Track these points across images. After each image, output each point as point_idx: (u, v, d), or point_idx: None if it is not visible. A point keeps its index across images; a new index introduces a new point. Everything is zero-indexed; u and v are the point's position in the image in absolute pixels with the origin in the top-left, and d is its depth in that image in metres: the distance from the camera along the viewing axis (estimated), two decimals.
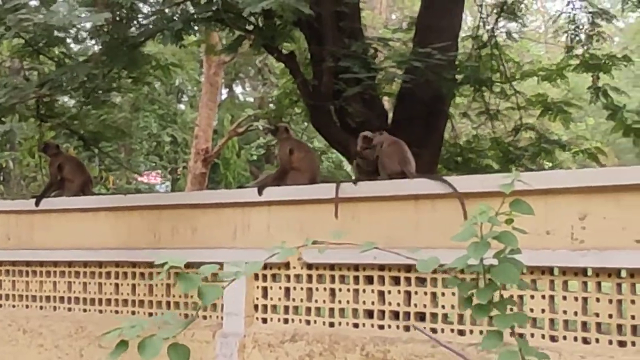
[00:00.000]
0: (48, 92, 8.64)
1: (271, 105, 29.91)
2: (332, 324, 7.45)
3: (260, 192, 7.85)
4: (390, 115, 10.11)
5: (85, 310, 9.28)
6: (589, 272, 6.24)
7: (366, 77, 8.56)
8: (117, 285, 9.06)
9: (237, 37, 9.00)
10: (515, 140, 12.17)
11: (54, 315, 9.46)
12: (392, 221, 7.08)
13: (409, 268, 7.04)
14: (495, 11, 12.12)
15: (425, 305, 6.94)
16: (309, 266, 7.60)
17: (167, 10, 8.42)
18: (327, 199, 7.46)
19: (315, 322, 7.55)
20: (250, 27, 8.76)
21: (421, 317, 7.00)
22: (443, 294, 6.85)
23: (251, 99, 40.38)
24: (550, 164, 11.98)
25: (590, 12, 11.72)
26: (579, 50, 11.92)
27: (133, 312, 8.88)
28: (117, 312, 9.02)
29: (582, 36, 11.68)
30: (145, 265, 8.83)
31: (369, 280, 7.28)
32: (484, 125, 13.02)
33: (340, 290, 7.42)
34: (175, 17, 8.18)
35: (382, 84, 9.21)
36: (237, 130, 29.90)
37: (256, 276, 7.95)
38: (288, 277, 7.77)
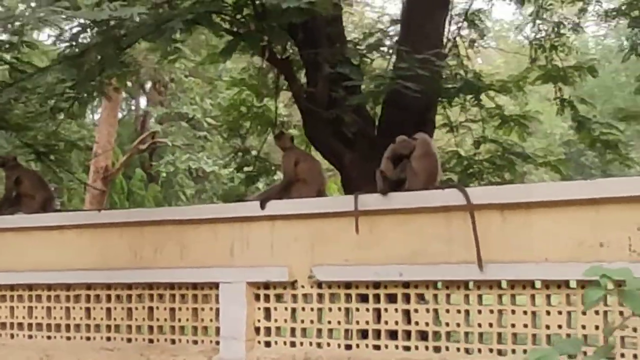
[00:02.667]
0: (14, 97, 7.85)
1: (183, 122, 29.11)
2: (348, 347, 6.94)
3: (263, 206, 7.29)
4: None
5: (49, 338, 8.50)
6: None
7: (364, 84, 8.11)
8: (88, 309, 8.33)
9: (231, 41, 8.41)
10: (477, 154, 11.90)
11: (13, 344, 8.65)
12: (420, 235, 6.64)
13: (436, 284, 6.62)
14: (458, 20, 11.80)
15: (458, 324, 6.50)
16: (320, 285, 7.08)
17: (160, 10, 7.77)
18: (342, 212, 6.97)
19: (328, 344, 7.02)
20: (242, 31, 8.21)
21: (452, 336, 6.57)
22: (480, 312, 6.43)
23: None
24: (512, 177, 11.72)
25: (555, 22, 11.58)
26: (541, 63, 11.71)
27: (108, 339, 8.18)
28: (88, 338, 8.29)
29: (547, 46, 11.49)
30: (123, 287, 8.15)
31: (392, 298, 6.81)
32: (443, 137, 12.71)
33: (357, 310, 6.91)
34: (159, 20, 7.54)
35: (376, 92, 8.70)
36: (139, 147, 28.96)
37: (257, 297, 7.39)
38: (294, 296, 7.24)
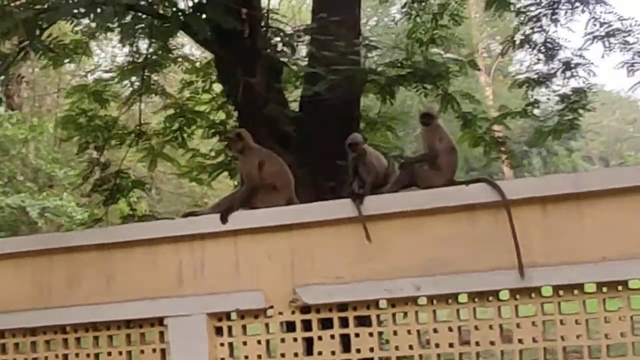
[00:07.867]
0: None
1: None
2: None
3: (224, 219, 5.99)
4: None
5: None
6: None
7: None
8: None
9: (173, 21, 7.00)
10: None
11: None
12: (438, 239, 5.62)
13: (457, 297, 5.63)
14: None
15: (492, 343, 5.52)
16: (306, 310, 5.87)
17: None
18: (330, 220, 5.84)
19: None
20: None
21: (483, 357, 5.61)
22: (518, 325, 5.48)
23: None
24: None
25: (434, 13, 10.88)
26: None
27: None
28: None
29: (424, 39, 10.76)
30: (24, 333, 6.55)
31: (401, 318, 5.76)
32: None
33: (357, 335, 5.76)
34: None
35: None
36: None
37: (217, 330, 6.08)
38: (268, 325, 5.99)
